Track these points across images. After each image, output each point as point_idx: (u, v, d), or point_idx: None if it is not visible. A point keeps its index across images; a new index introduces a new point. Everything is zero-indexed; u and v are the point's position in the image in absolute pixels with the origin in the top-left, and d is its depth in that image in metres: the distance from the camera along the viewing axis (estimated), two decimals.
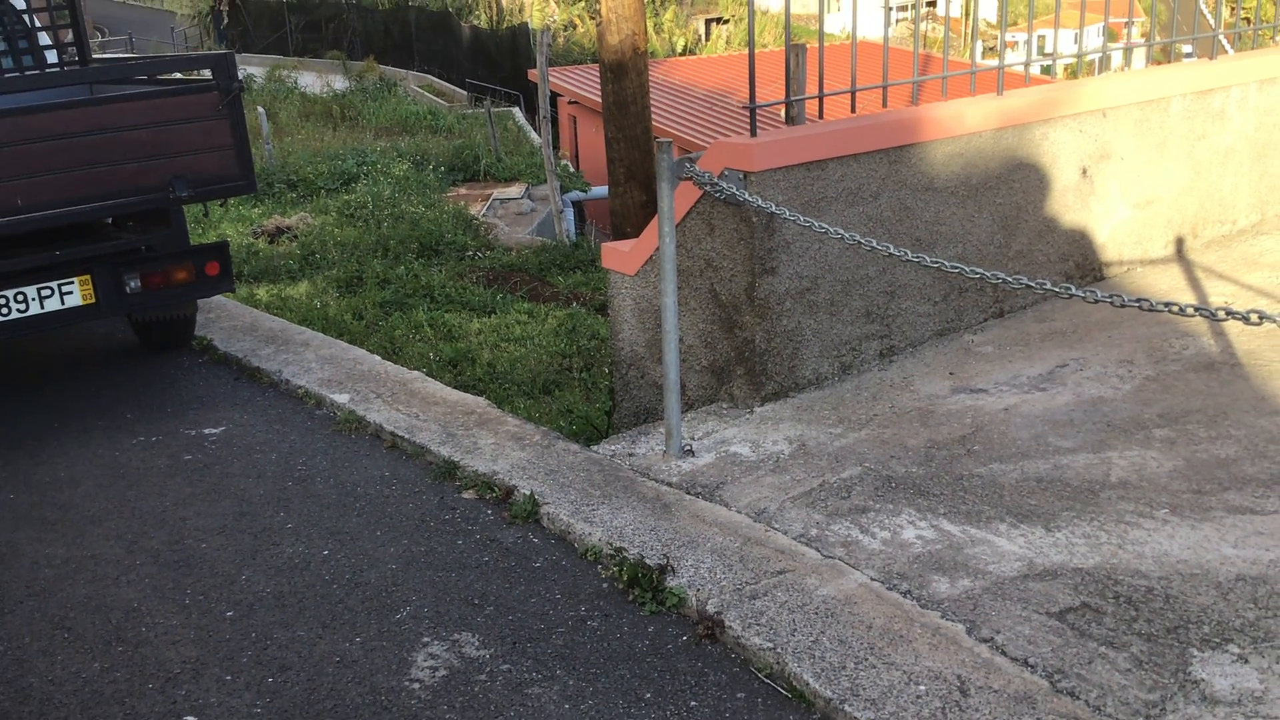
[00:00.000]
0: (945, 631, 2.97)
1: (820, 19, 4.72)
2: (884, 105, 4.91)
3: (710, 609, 3.18)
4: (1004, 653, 2.86)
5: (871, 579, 3.26)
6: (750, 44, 4.40)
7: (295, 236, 12.05)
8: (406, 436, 4.69)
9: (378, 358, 5.91)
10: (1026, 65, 5.47)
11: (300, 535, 3.99)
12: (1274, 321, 2.46)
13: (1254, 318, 2.93)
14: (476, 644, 3.24)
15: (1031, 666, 2.80)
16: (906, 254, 3.46)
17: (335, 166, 16.64)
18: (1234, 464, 3.76)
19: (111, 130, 4.86)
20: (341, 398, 5.22)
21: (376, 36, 37.74)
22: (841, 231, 3.66)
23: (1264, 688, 2.67)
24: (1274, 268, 5.60)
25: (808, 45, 7.39)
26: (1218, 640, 2.86)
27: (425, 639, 3.28)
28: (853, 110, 4.83)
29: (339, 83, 30.45)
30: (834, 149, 4.48)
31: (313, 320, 7.98)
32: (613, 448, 4.38)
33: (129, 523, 4.21)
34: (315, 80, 30.42)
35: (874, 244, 3.48)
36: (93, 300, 5.19)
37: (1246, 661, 2.76)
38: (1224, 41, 7.63)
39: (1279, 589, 3.05)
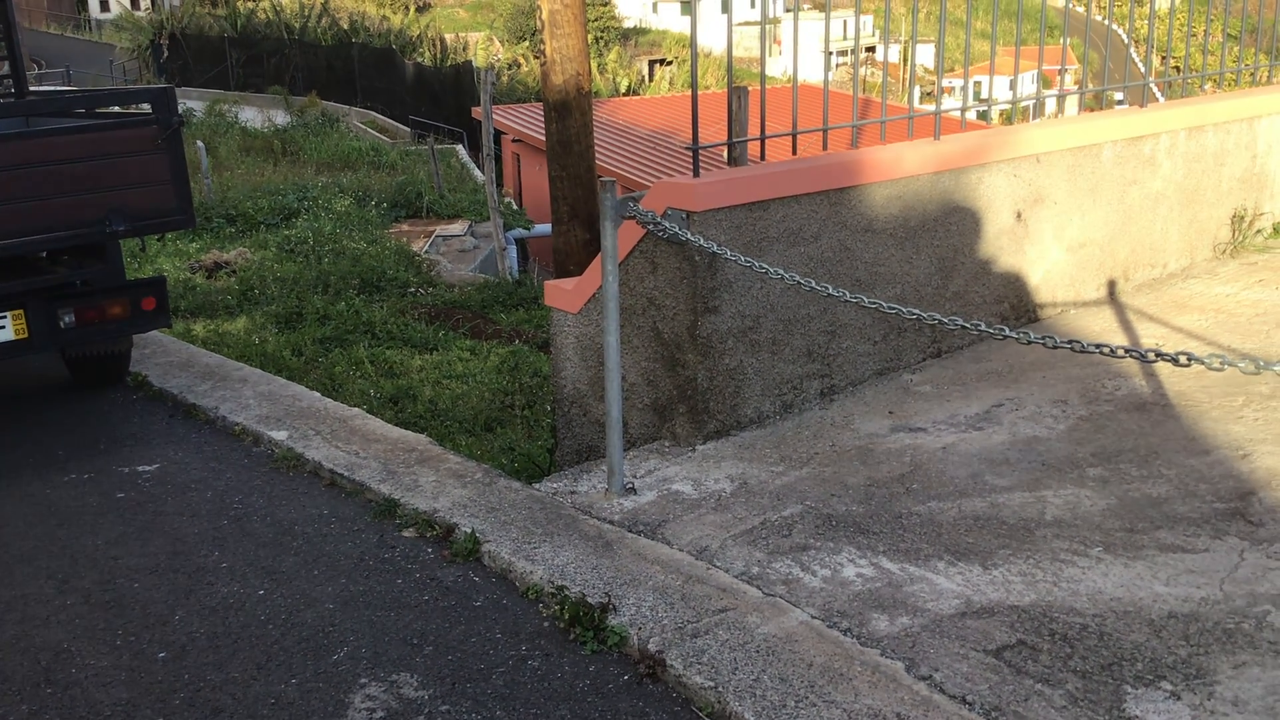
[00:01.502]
0: (885, 669, 2.99)
1: (762, 62, 4.78)
2: (824, 148, 4.98)
3: (652, 648, 3.17)
4: (942, 690, 2.88)
5: (812, 617, 3.27)
6: (694, 85, 4.46)
7: (234, 272, 11.93)
8: (346, 474, 4.65)
9: (317, 394, 5.85)
10: (963, 111, 5.58)
11: (235, 574, 3.93)
12: (1202, 363, 2.53)
13: (1183, 359, 2.99)
14: (415, 685, 3.20)
15: (969, 704, 2.82)
16: (846, 295, 3.50)
17: (276, 201, 16.52)
18: (1166, 503, 3.83)
19: (48, 164, 4.80)
20: (280, 434, 5.16)
21: (319, 72, 37.62)
22: (782, 272, 3.71)
23: None
24: (1203, 310, 5.73)
25: (750, 88, 7.49)
26: (1151, 677, 2.90)
27: (363, 680, 3.24)
28: (794, 152, 4.90)
29: (280, 117, 30.27)
30: (776, 190, 4.53)
31: (251, 356, 7.89)
32: (554, 485, 4.37)
33: (59, 562, 4.12)
34: (256, 115, 30.22)
35: (814, 284, 3.52)
36: (25, 335, 5.10)
37: (1179, 698, 2.81)
38: (1155, 90, 7.85)
39: (1210, 626, 3.11)
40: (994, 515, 3.82)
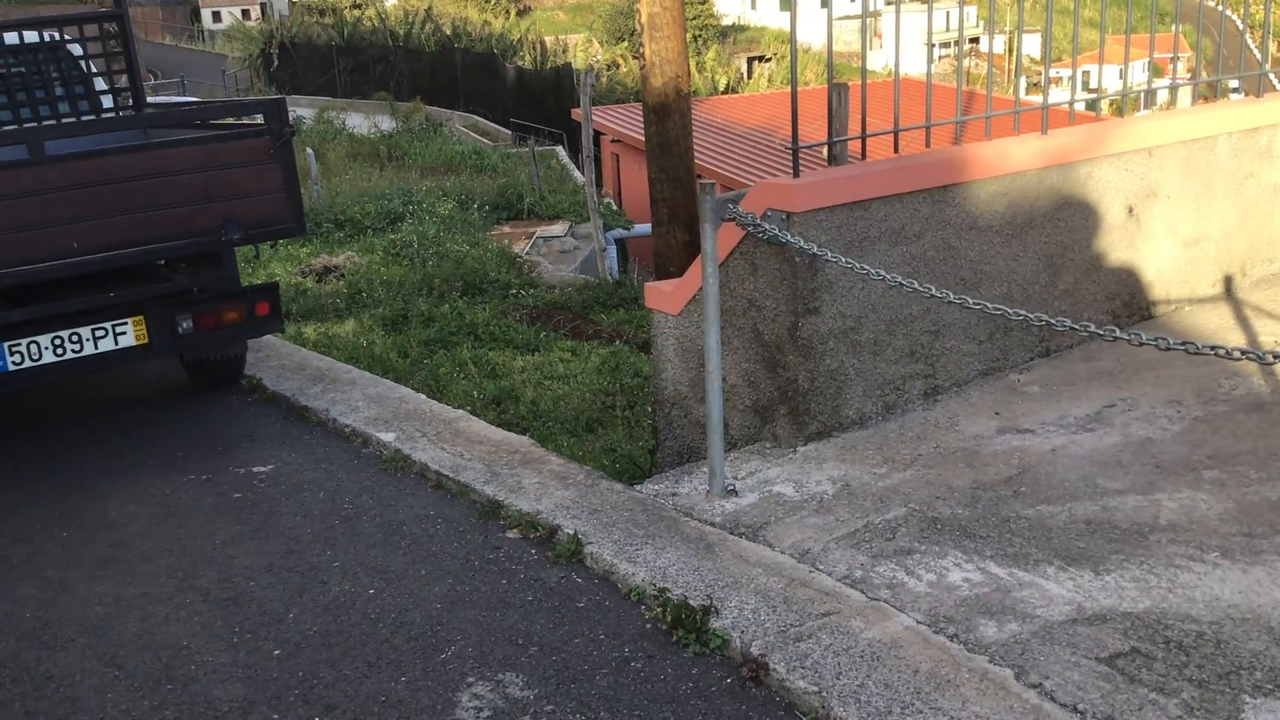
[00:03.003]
0: (993, 676, 2.94)
1: (863, 57, 4.74)
2: (927, 144, 4.91)
3: (754, 651, 3.17)
4: (1053, 699, 2.83)
5: (918, 622, 3.24)
6: (793, 84, 4.44)
7: (342, 275, 12.20)
8: (451, 475, 4.73)
9: (423, 396, 5.96)
10: (1071, 103, 5.46)
11: (347, 574, 4.03)
12: None
13: None
14: (520, 685, 3.24)
15: (1081, 713, 2.77)
16: (949, 296, 3.46)
17: (382, 206, 16.85)
18: None
19: (165, 174, 4.97)
20: (388, 436, 5.27)
21: (423, 77, 38.26)
22: (883, 273, 3.67)
23: None
24: None
25: (850, 84, 7.41)
26: (1270, 687, 2.81)
27: (470, 679, 3.29)
28: (895, 150, 4.84)
29: (386, 123, 30.87)
30: (877, 189, 4.49)
31: (359, 358, 8.07)
32: (656, 487, 4.39)
33: (179, 560, 4.27)
34: (363, 121, 30.86)
35: (916, 285, 3.48)
36: (146, 341, 5.28)
37: None
38: (1272, 78, 7.58)
39: None
40: (1106, 519, 3.74)
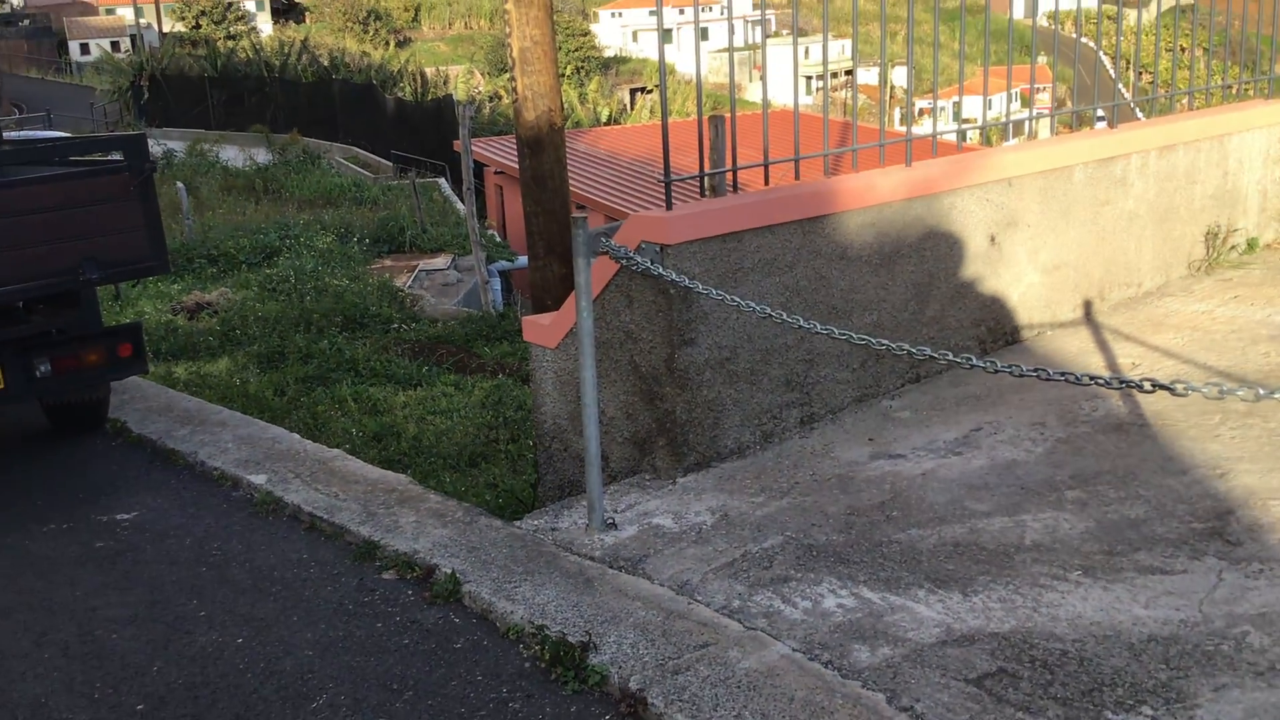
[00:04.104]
0: (866, 701, 2.98)
1: (731, 90, 4.81)
2: (796, 176, 5.00)
3: (633, 686, 3.16)
4: None
5: (794, 650, 3.26)
6: (664, 115, 4.48)
7: (216, 312, 11.91)
8: (325, 517, 4.63)
9: (297, 436, 5.83)
10: (934, 136, 5.62)
11: (214, 623, 3.90)
12: (1166, 389, 2.54)
13: (1147, 385, 3.01)
14: None
15: None
16: (817, 326, 3.51)
17: (257, 240, 16.51)
18: (1144, 524, 3.84)
19: (20, 213, 4.79)
20: (259, 478, 5.14)
21: (301, 109, 37.69)
22: (755, 305, 3.71)
23: None
24: (1179, 329, 5.76)
25: (724, 116, 7.51)
26: (1132, 702, 2.90)
27: None
28: (766, 181, 4.92)
29: (262, 155, 30.30)
30: (749, 220, 4.55)
31: (233, 398, 7.87)
32: (535, 522, 4.36)
33: (37, 614, 4.09)
34: (238, 154, 30.25)
35: (786, 317, 3.53)
36: (1, 385, 5.07)
37: None
38: (1135, 108, 7.91)
39: (1189, 649, 3.10)
40: (974, 541, 3.82)
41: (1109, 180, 6.00)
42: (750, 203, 4.57)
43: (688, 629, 3.40)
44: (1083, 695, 2.94)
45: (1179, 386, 2.39)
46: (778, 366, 4.76)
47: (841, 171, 5.30)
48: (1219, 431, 4.52)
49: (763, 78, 4.76)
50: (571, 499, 4.67)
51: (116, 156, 5.15)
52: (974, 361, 2.89)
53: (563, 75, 39.77)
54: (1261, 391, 2.66)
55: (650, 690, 3.12)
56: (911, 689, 3.02)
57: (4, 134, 6.95)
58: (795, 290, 4.75)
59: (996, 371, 2.74)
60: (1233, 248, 6.72)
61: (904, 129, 5.42)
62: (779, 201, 4.63)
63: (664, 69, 4.45)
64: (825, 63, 5.04)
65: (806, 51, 54.93)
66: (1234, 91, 7.81)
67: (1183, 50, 8.68)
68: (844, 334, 3.61)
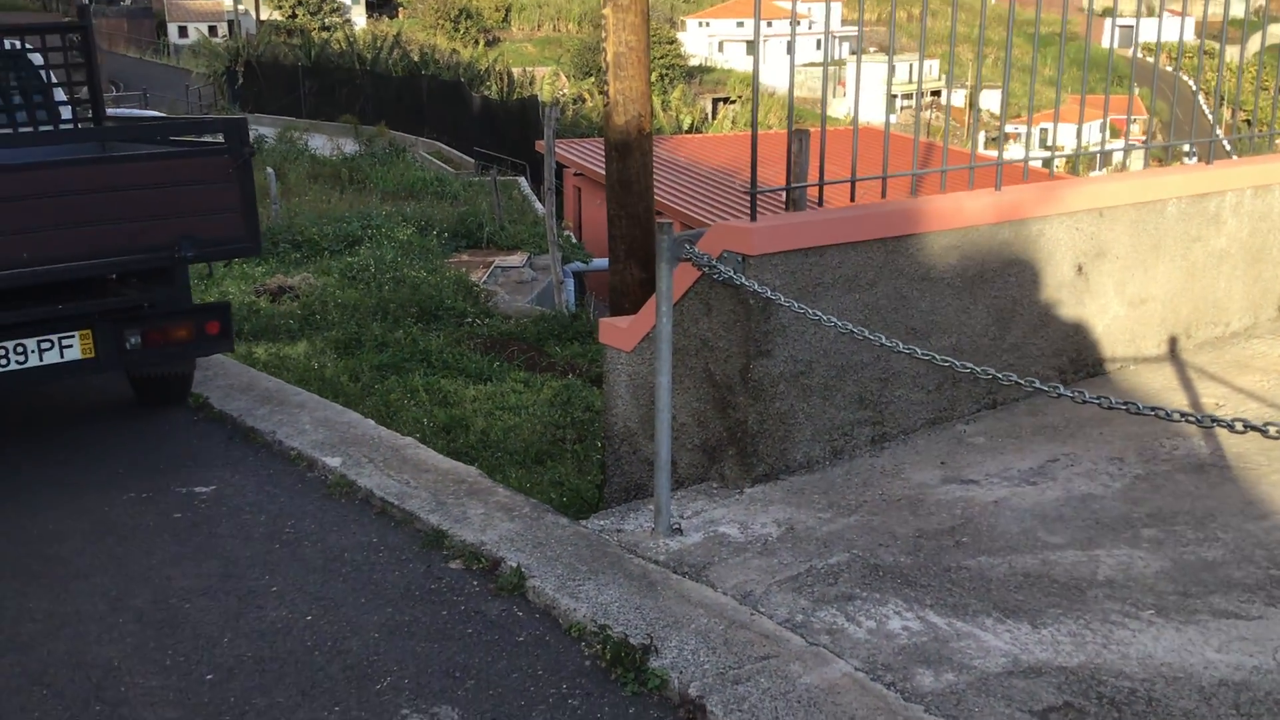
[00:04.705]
0: None
1: (823, 105, 4.80)
2: (883, 195, 4.98)
3: (692, 692, 3.17)
4: None
5: (856, 669, 3.25)
6: (753, 127, 4.49)
7: (297, 296, 12.12)
8: (396, 503, 4.69)
9: (371, 422, 5.92)
10: (1025, 161, 5.56)
11: (284, 599, 3.98)
12: (1258, 430, 2.49)
13: (1238, 426, 2.96)
14: (456, 718, 3.21)
15: None
16: (899, 345, 3.50)
17: (340, 228, 16.77)
18: (1220, 567, 3.77)
19: (121, 189, 4.92)
20: (334, 461, 5.23)
21: (389, 102, 38.22)
22: (835, 320, 3.71)
23: None
24: (1265, 371, 5.64)
25: (810, 130, 7.50)
26: None
27: (405, 711, 3.26)
28: (852, 198, 4.90)
29: (349, 146, 30.76)
30: (833, 236, 4.54)
31: (309, 381, 8.01)
32: (601, 523, 4.38)
33: (114, 579, 4.20)
34: (326, 143, 30.75)
35: (867, 333, 3.52)
36: (92, 355, 5.22)
37: None
38: (1225, 144, 7.77)
39: (1261, 695, 3.04)
40: (1045, 573, 3.78)
41: (1201, 217, 5.89)
42: (835, 218, 4.56)
43: (749, 639, 3.41)
44: None
45: (1272, 429, 2.35)
46: (852, 384, 4.74)
47: (927, 193, 5.26)
48: None
49: (856, 90, 4.74)
50: (638, 502, 4.69)
51: (218, 139, 5.27)
52: (1060, 390, 2.86)
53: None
54: None
55: (709, 698, 3.13)
56: (975, 717, 2.99)
57: (109, 111, 7.15)
58: (875, 308, 4.73)
59: (1084, 402, 2.71)
60: None
61: (990, 153, 5.37)
62: (864, 219, 4.62)
63: (757, 78, 4.45)
64: (919, 81, 5.01)
65: (893, 70, 54.43)
66: None
67: (1277, 89, 8.49)
68: (926, 354, 3.59)
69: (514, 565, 4.00)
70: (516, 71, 45.47)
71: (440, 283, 13.43)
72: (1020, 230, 5.14)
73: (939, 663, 3.25)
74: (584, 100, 40.74)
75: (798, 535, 4.11)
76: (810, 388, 4.60)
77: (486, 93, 38.61)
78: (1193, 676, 3.15)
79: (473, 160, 32.71)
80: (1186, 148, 6.63)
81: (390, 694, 3.35)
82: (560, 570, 3.94)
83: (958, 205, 4.90)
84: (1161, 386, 5.50)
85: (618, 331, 4.95)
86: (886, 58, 5.15)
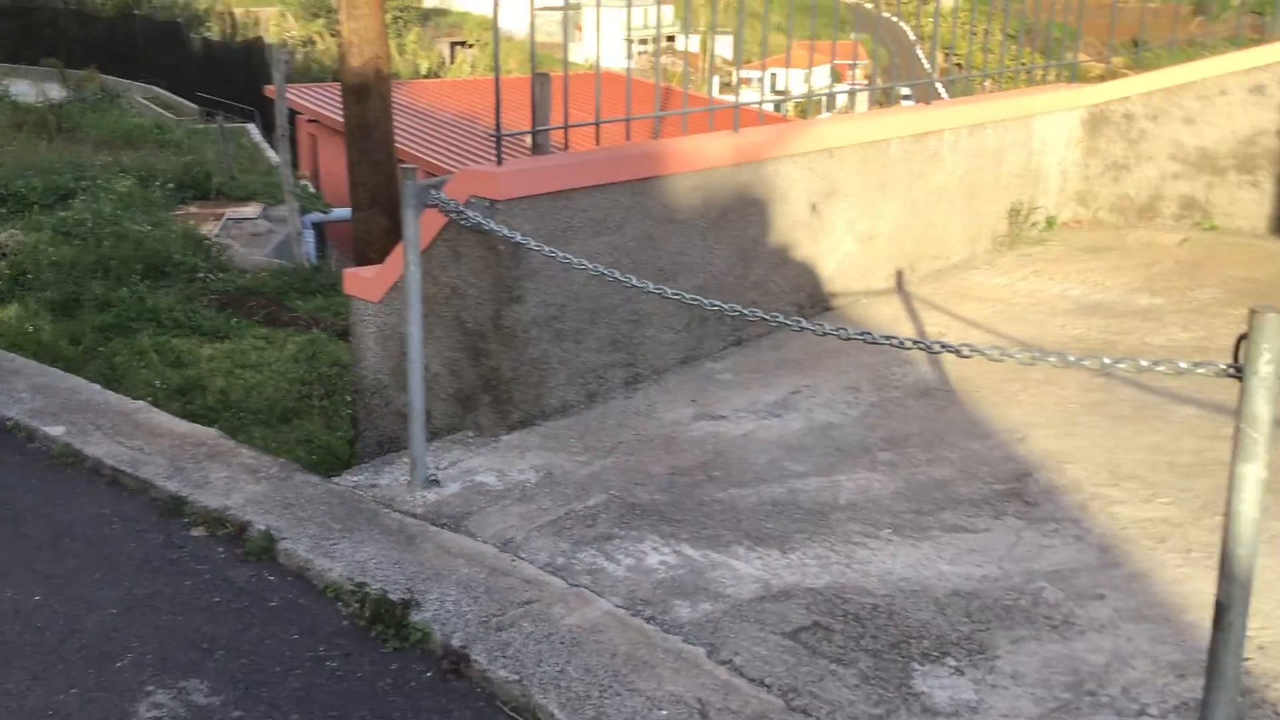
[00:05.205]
0: (687, 655, 3.03)
1: (565, 49, 4.77)
2: (627, 138, 5.01)
3: (455, 643, 3.13)
4: (742, 674, 2.95)
5: (616, 606, 3.29)
6: (495, 71, 4.41)
7: (4, 254, 11.17)
8: (129, 471, 4.41)
9: (97, 387, 5.53)
10: (760, 104, 5.70)
11: (9, 580, 3.68)
12: (983, 354, 2.65)
13: (965, 351, 3.14)
14: (205, 691, 3.07)
15: (767, 686, 2.90)
16: (648, 285, 3.53)
17: (50, 181, 15.54)
18: (949, 485, 4.02)
19: None
20: (56, 430, 4.86)
21: (99, 45, 35.56)
22: (585, 262, 3.71)
23: (978, 698, 2.85)
24: (982, 300, 6.04)
25: (552, 74, 7.45)
26: (936, 654, 3.04)
27: (149, 688, 3.08)
28: (597, 141, 4.91)
29: (56, 92, 28.48)
30: (580, 179, 4.53)
31: (24, 346, 7.41)
32: (355, 479, 4.26)
33: None
34: (29, 89, 28.33)
35: (617, 275, 3.54)
36: None
37: (962, 674, 2.95)
38: (939, 87, 8.22)
39: (990, 603, 3.27)
40: (791, 500, 3.93)
41: (922, 155, 6.22)
42: (581, 161, 4.56)
43: (511, 586, 3.40)
44: (891, 647, 3.06)
45: (994, 351, 2.50)
46: (604, 326, 4.77)
47: (672, 137, 5.33)
48: (1020, 398, 4.77)
49: (598, 34, 4.73)
50: (393, 456, 4.59)
51: None
52: (802, 324, 2.95)
53: None
54: (1036, 355, 2.80)
55: (473, 647, 3.10)
56: (731, 643, 3.09)
57: None
58: (624, 250, 4.77)
59: (824, 335, 2.82)
60: (1034, 224, 7.08)
61: (726, 97, 5.48)
62: (609, 161, 4.63)
63: (497, 21, 4.37)
64: (659, 25, 5.05)
65: (629, 16, 54.83)
66: (1035, 76, 8.20)
67: (985, 34, 9.05)
68: (675, 294, 3.63)
69: (262, 528, 3.84)
70: (239, 12, 43.18)
71: (167, 237, 12.68)
72: (758, 171, 5.28)
73: (695, 593, 3.34)
74: (314, 43, 39.18)
75: (555, 480, 4.12)
76: (563, 332, 4.60)
77: (208, 34, 36.52)
78: (928, 589, 3.35)
79: (196, 107, 30.94)
80: (905, 91, 6.98)
81: (132, 671, 3.16)
82: (313, 530, 3.81)
83: (698, 147, 4.98)
84: (891, 317, 5.81)
85: (364, 282, 4.80)
86: (625, 2, 5.16)
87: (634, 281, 3.61)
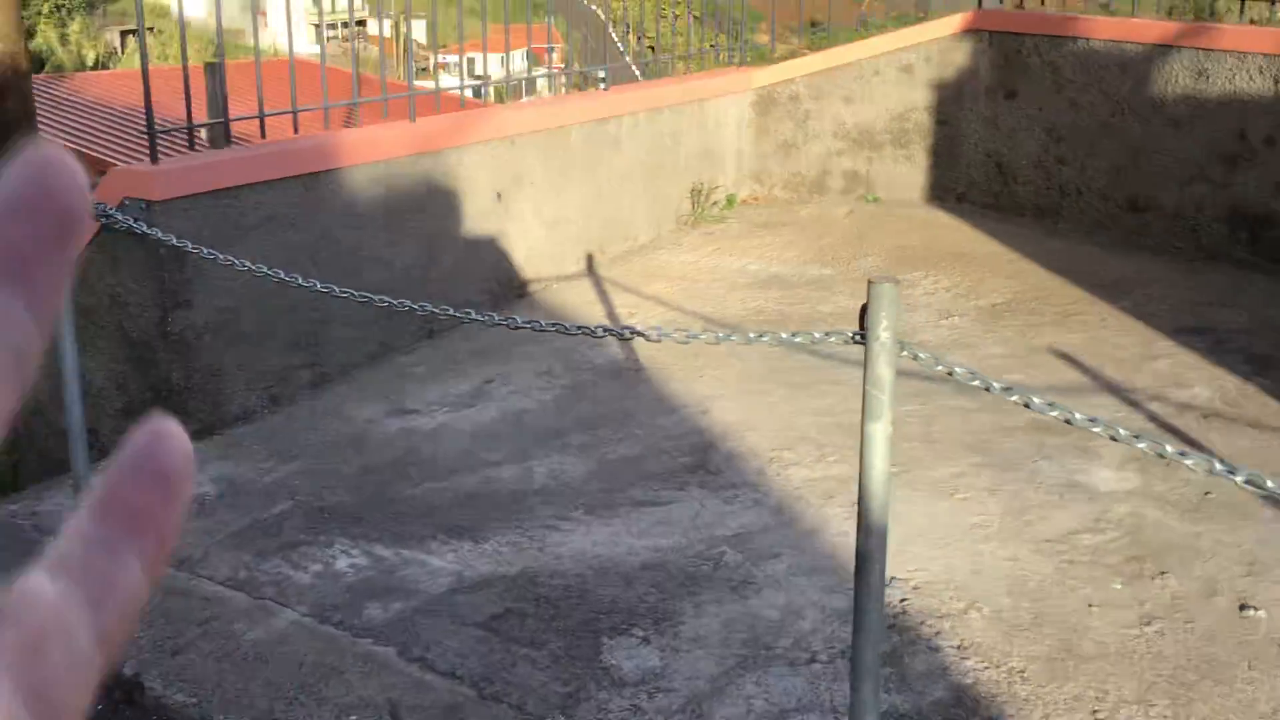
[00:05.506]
0: (378, 657, 2.99)
1: (219, 33, 4.56)
2: (295, 129, 4.85)
3: (127, 672, 2.96)
4: (434, 669, 2.94)
5: (304, 615, 3.20)
6: (143, 58, 4.18)
7: None
8: None
9: None
10: (437, 91, 5.66)
11: None
12: (668, 336, 2.74)
13: (653, 335, 3.23)
14: None
15: (460, 678, 2.90)
16: (316, 285, 3.44)
17: None
18: (638, 462, 4.13)
19: None
20: None
21: None
22: (249, 264, 3.57)
23: (663, 664, 2.95)
24: (669, 278, 6.23)
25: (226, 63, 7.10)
26: (625, 626, 3.12)
27: None
28: (263, 135, 4.73)
29: None
30: (246, 175, 4.36)
31: None
32: (13, 507, 3.96)
33: None
34: None
35: (285, 276, 3.42)
36: None
37: (649, 642, 3.05)
38: (634, 69, 8.40)
39: (675, 572, 3.39)
40: (486, 490, 3.94)
41: (604, 140, 6.34)
42: (245, 157, 4.39)
43: (189, 606, 3.24)
44: (582, 625, 3.12)
45: (678, 333, 2.59)
46: (285, 327, 4.62)
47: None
48: (704, 372, 4.95)
49: (253, 18, 4.55)
50: (61, 478, 4.28)
51: None
52: (495, 319, 2.96)
53: (39, 14, 36.07)
54: (720, 334, 2.93)
55: (146, 673, 2.94)
56: (423, 639, 3.06)
57: None
58: (302, 248, 4.62)
59: (516, 328, 2.83)
60: (715, 203, 7.35)
61: (424, 84, 5.41)
62: (277, 156, 4.48)
63: (141, 8, 4.13)
64: (320, 12, 4.91)
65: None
66: (722, 58, 8.50)
67: (677, 18, 9.35)
68: (346, 292, 3.55)
69: None
70: None
71: None
72: (439, 161, 5.24)
73: (387, 593, 3.29)
74: None
75: (238, 490, 3.96)
76: (239, 336, 4.42)
77: None
78: (618, 564, 3.44)
79: None
80: (601, 74, 7.09)
81: None
82: None
83: (374, 138, 4.89)
84: (582, 300, 5.90)
85: None
86: None
87: (302, 282, 3.50)
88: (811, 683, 2.88)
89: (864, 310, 2.18)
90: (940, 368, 2.21)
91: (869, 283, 2.13)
